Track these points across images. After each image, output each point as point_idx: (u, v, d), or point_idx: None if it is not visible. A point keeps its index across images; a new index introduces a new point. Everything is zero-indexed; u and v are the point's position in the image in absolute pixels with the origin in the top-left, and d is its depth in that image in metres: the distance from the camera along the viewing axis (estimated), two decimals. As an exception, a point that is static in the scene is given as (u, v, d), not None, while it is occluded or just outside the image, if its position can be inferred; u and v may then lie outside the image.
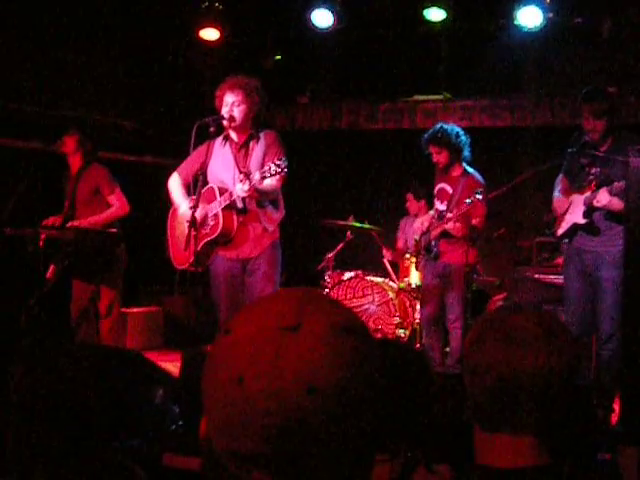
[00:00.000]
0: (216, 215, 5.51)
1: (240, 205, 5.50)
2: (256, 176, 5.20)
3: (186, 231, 5.49)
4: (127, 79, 8.89)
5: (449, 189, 6.53)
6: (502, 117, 8.96)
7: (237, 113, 5.49)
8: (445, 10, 7.72)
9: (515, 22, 7.57)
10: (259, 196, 5.44)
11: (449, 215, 6.35)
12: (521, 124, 8.88)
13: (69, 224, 6.38)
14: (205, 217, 5.56)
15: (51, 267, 6.00)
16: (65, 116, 8.05)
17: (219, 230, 5.48)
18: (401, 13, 8.36)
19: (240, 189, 5.27)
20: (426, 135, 6.52)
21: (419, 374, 2.27)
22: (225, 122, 5.50)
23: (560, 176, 5.82)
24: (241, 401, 1.03)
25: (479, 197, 6.02)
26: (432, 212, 6.82)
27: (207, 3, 8.15)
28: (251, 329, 1.08)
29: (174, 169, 5.90)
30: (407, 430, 2.16)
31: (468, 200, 6.03)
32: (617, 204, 5.21)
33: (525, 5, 7.45)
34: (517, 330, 1.69)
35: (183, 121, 6.86)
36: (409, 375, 2.23)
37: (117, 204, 6.54)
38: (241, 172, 5.41)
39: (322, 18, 8.00)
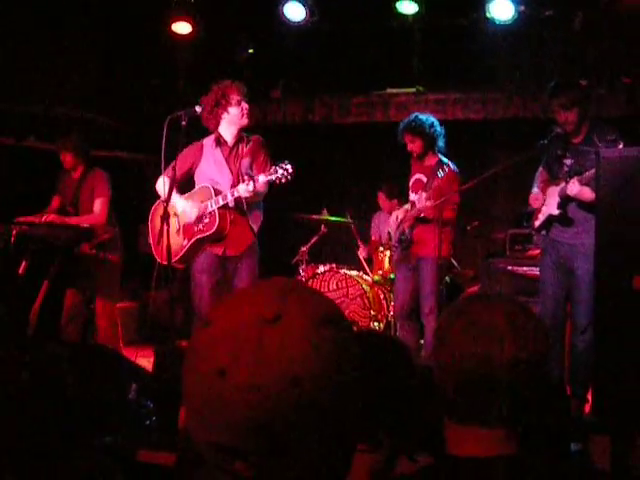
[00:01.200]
0: (212, 213, 5.64)
1: (232, 205, 5.62)
2: (261, 178, 5.39)
3: (177, 226, 5.76)
4: (99, 74, 8.83)
5: (424, 179, 6.53)
6: (475, 110, 8.98)
7: (246, 119, 5.76)
8: (417, 3, 7.73)
9: (487, 15, 7.59)
10: (256, 197, 5.62)
11: (422, 195, 6.32)
12: (493, 117, 8.91)
13: (41, 219, 6.33)
14: (201, 215, 5.69)
15: (23, 263, 5.96)
16: (38, 112, 8.00)
17: (215, 228, 5.62)
18: (374, 6, 8.36)
19: (244, 189, 5.43)
20: (401, 124, 6.56)
21: (400, 365, 2.27)
22: (245, 119, 5.75)
23: (540, 169, 5.85)
24: (223, 394, 1.03)
25: (451, 168, 6.07)
26: (407, 206, 6.81)
27: (179, -3, 8.11)
28: (231, 321, 1.08)
29: (148, 164, 5.91)
30: (388, 420, 2.16)
31: (440, 173, 6.05)
32: (588, 193, 5.22)
33: (497, -2, 7.48)
34: (483, 321, 1.68)
35: (156, 115, 6.83)
36: (390, 365, 2.23)
37: (97, 211, 6.55)
38: (247, 174, 5.65)
39: (294, 12, 7.99)
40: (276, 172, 5.31)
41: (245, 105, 5.73)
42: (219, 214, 5.61)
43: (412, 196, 6.66)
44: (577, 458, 3.26)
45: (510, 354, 1.64)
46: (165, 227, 5.34)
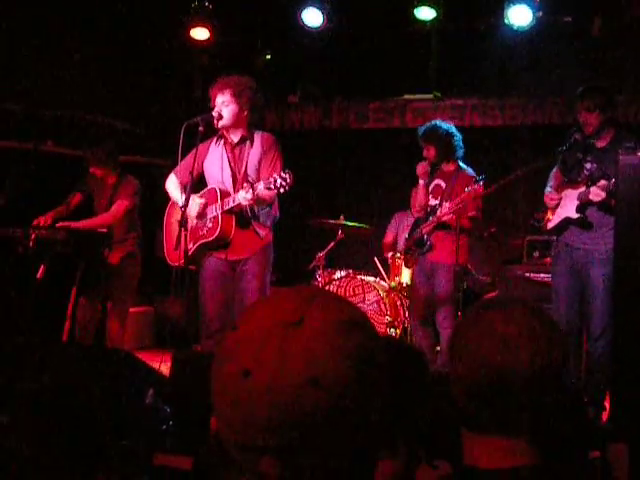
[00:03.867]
0: (215, 218, 5.49)
1: (236, 210, 5.46)
2: (260, 186, 5.14)
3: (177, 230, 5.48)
4: (117, 79, 8.86)
5: (443, 184, 6.53)
6: (492, 116, 8.96)
7: (225, 113, 5.45)
8: (435, 9, 7.72)
9: (505, 21, 7.57)
10: (257, 205, 5.42)
11: (445, 205, 6.32)
12: (511, 123, 8.88)
13: (59, 224, 6.36)
14: (203, 217, 5.55)
15: (41, 267, 5.98)
16: (57, 115, 8.04)
17: (217, 233, 5.45)
18: (391, 12, 8.36)
19: (243, 197, 5.22)
20: (419, 130, 6.55)
21: (417, 371, 2.27)
22: (215, 121, 5.46)
23: (554, 170, 5.81)
24: (247, 394, 1.06)
25: (480, 184, 6.03)
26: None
27: (197, 2, 8.14)
28: (256, 324, 1.11)
29: (165, 169, 5.90)
30: (406, 426, 2.16)
31: (467, 188, 6.04)
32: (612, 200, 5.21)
33: (515, 4, 7.46)
34: (498, 330, 1.65)
35: (174, 121, 6.85)
36: (407, 372, 2.22)
37: (112, 211, 6.54)
38: (244, 179, 5.43)
39: (312, 17, 8.00)
40: (275, 181, 5.02)
41: (221, 107, 5.45)
42: (222, 219, 5.46)
43: (431, 200, 6.65)
44: (595, 467, 3.24)
45: (527, 362, 1.62)
46: (183, 232, 5.27)
